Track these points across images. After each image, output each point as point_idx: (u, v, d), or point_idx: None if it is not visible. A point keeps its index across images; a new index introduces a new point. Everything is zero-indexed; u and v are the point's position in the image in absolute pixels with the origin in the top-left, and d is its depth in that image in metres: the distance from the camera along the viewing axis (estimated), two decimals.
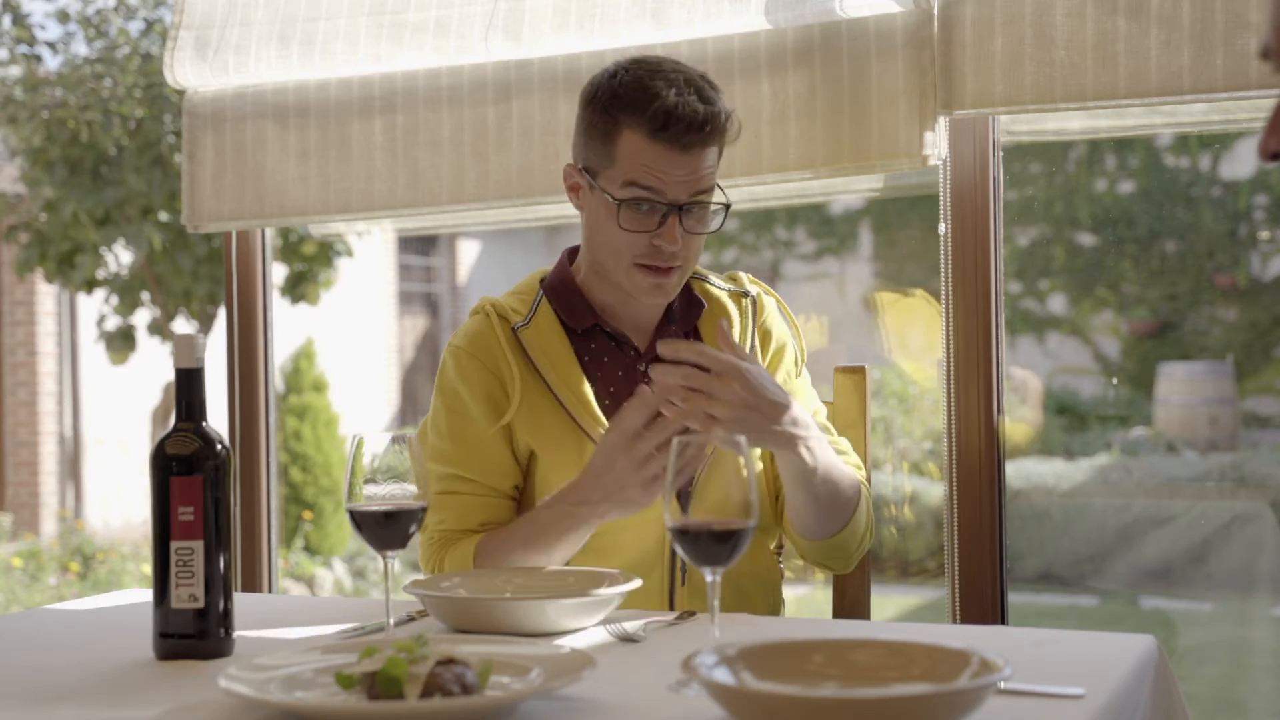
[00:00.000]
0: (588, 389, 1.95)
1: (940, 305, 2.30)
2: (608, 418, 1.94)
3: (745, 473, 1.37)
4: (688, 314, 2.03)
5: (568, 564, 1.91)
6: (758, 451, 1.97)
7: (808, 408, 2.05)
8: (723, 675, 1.24)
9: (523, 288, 2.05)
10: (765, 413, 1.76)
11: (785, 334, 2.08)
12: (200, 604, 1.54)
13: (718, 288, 2.07)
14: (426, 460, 1.95)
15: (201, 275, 6.62)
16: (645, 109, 1.84)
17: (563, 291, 2.00)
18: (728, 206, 1.92)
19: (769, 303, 2.09)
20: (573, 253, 2.04)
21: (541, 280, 2.04)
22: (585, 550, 1.92)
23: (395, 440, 1.58)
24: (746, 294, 2.07)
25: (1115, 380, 10.78)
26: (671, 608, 1.94)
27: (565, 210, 2.61)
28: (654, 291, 1.92)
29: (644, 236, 1.88)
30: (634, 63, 1.91)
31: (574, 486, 1.84)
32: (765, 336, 2.06)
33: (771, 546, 2.06)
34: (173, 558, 1.54)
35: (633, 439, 1.75)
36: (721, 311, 2.04)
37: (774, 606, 2.05)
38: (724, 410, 1.73)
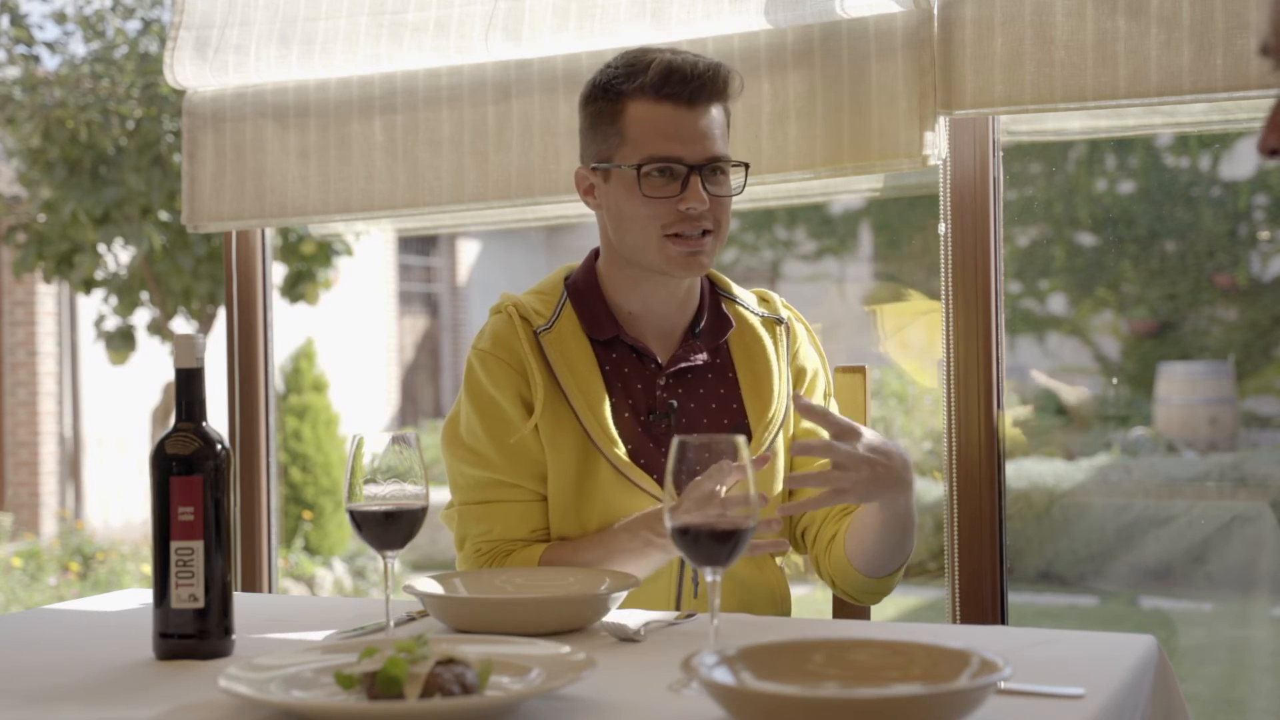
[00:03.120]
0: (606, 405, 1.92)
1: (940, 306, 2.30)
2: (625, 432, 1.93)
3: (746, 474, 1.37)
4: (715, 330, 2.00)
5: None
6: (781, 464, 1.97)
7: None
8: (723, 675, 1.24)
9: (546, 287, 2.01)
10: (885, 476, 1.75)
11: (817, 364, 2.07)
12: (200, 604, 1.54)
13: (749, 310, 2.04)
14: (461, 465, 1.94)
15: (201, 275, 6.62)
16: (645, 73, 1.88)
17: (587, 296, 1.98)
18: (747, 166, 1.94)
19: (800, 332, 2.07)
20: (598, 253, 2.02)
21: (566, 279, 2.02)
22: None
23: (395, 440, 1.58)
24: (780, 320, 2.05)
25: (1115, 380, 10.78)
26: None
27: (565, 210, 2.61)
28: (688, 262, 1.90)
29: (669, 203, 1.88)
30: (624, 51, 1.95)
31: (658, 516, 1.83)
32: (800, 372, 2.04)
33: (777, 561, 2.06)
34: (173, 558, 1.54)
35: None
36: (751, 334, 2.01)
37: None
38: (851, 480, 1.72)
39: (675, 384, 1.97)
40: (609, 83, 1.91)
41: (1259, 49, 1.22)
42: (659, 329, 1.98)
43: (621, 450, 1.90)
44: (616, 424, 1.93)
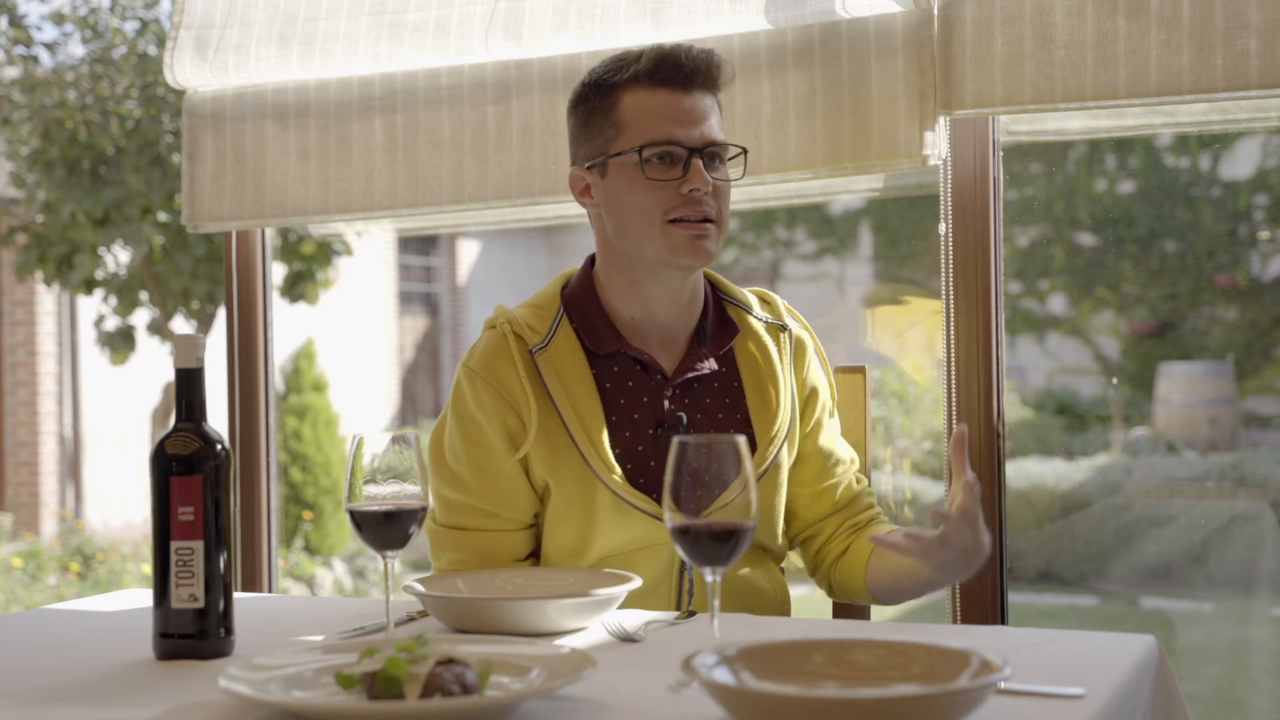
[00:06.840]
0: (604, 429, 1.88)
1: (940, 306, 2.30)
2: (626, 451, 1.89)
3: (746, 473, 1.37)
4: (721, 336, 1.96)
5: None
6: (784, 468, 1.97)
7: (836, 453, 2.04)
8: (723, 675, 1.24)
9: (542, 300, 1.96)
10: (967, 567, 1.74)
11: (822, 382, 2.04)
12: (200, 604, 1.54)
13: (754, 316, 2.00)
14: (441, 485, 1.92)
15: (201, 275, 6.62)
16: (638, 61, 1.88)
17: (586, 309, 1.93)
18: (745, 151, 1.94)
19: (809, 346, 2.04)
20: (594, 260, 1.98)
21: (563, 290, 1.97)
22: None
23: (395, 440, 1.58)
24: (784, 327, 2.02)
25: (1115, 380, 10.77)
26: None
27: (565, 210, 2.61)
28: (693, 249, 1.86)
29: (671, 188, 1.86)
30: (612, 54, 1.95)
31: None
32: (812, 391, 2.01)
33: (798, 558, 2.06)
34: (173, 558, 1.54)
35: None
36: (756, 341, 1.98)
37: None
38: (943, 556, 1.71)
39: (683, 395, 1.92)
40: (599, 80, 1.91)
41: None
42: (663, 336, 1.94)
43: (618, 475, 1.86)
44: (617, 442, 1.89)
